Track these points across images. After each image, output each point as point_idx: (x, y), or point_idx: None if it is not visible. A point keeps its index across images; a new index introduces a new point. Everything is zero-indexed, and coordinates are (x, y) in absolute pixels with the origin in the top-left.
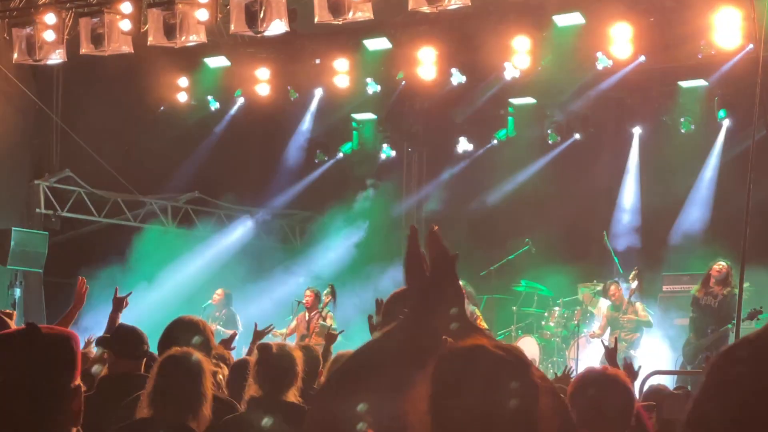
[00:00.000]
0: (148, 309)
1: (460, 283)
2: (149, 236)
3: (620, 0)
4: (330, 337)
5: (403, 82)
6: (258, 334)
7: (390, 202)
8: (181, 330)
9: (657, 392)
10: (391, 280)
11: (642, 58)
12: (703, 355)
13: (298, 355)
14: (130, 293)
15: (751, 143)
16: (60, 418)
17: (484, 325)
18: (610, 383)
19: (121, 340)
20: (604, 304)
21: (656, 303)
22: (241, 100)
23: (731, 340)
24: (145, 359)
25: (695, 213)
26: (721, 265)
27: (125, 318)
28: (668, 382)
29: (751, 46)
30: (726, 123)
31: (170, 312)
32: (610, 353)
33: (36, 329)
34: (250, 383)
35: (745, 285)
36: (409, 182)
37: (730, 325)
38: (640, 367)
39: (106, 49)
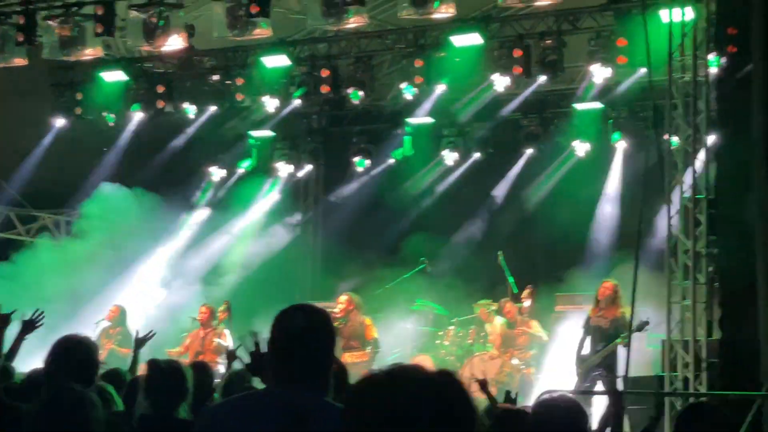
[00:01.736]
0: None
1: (346, 296)
2: (40, 250)
3: (518, 22)
4: (231, 356)
5: (299, 101)
6: (139, 342)
7: (287, 220)
8: (66, 349)
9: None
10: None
11: (539, 80)
12: (596, 372)
13: (189, 371)
14: (14, 311)
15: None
16: None
17: (374, 333)
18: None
19: None
20: (498, 321)
21: (550, 322)
22: (138, 116)
23: (620, 354)
24: None
25: (590, 233)
26: (606, 285)
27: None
28: None
29: (644, 70)
30: (621, 145)
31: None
32: (482, 385)
33: None
34: (140, 400)
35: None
36: (306, 200)
37: (618, 340)
38: (516, 394)
39: None
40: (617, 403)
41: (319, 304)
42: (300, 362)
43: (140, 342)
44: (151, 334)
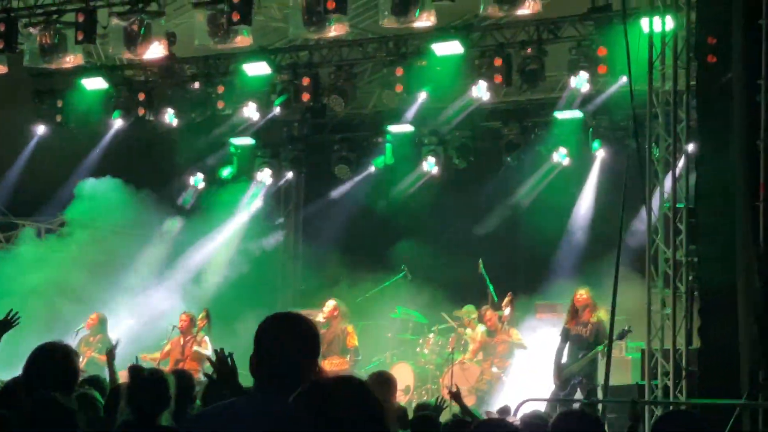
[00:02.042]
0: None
1: (333, 302)
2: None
3: (498, 31)
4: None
5: (280, 109)
6: (110, 354)
7: (269, 228)
8: (46, 357)
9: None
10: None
11: (521, 88)
12: (576, 380)
13: (171, 379)
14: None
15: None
16: None
17: (355, 342)
18: None
19: None
20: (480, 329)
21: (529, 330)
22: (118, 123)
23: (599, 362)
24: None
25: (570, 242)
26: (581, 293)
27: None
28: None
29: (624, 79)
30: (600, 154)
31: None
32: (455, 396)
33: None
34: (122, 407)
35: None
36: (287, 207)
37: (599, 348)
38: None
39: None
40: (634, 416)
41: (303, 311)
42: (283, 370)
43: (110, 353)
44: (116, 344)
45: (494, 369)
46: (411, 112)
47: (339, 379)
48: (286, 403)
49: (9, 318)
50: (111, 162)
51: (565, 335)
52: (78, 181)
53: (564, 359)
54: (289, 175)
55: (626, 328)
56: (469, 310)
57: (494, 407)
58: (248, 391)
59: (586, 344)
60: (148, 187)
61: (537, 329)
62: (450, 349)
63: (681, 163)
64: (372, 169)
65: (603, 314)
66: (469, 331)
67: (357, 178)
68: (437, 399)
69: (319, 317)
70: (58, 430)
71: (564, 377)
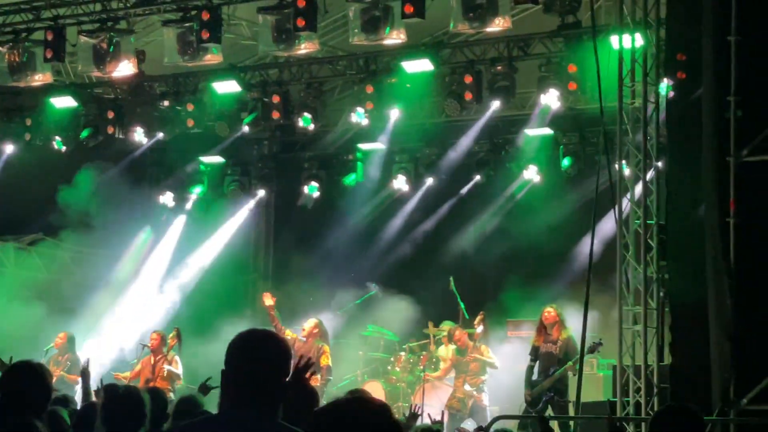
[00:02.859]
0: None
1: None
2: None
3: (469, 48)
4: (204, 389)
5: (245, 129)
6: (84, 373)
7: (240, 244)
8: (20, 375)
9: None
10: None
11: (492, 107)
12: (547, 397)
13: (146, 397)
14: None
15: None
16: None
17: (329, 362)
18: None
19: None
20: (450, 347)
21: (501, 347)
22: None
23: (569, 377)
24: None
25: (540, 259)
26: (549, 311)
27: None
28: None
29: (594, 95)
30: (572, 171)
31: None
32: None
33: None
34: (98, 426)
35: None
36: (258, 225)
37: (570, 363)
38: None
39: None
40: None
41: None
42: (255, 385)
43: (85, 372)
44: (87, 362)
45: (467, 387)
46: (381, 130)
47: (357, 398)
48: (259, 418)
49: None
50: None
51: (535, 353)
52: (45, 200)
53: (534, 377)
54: (260, 192)
55: (597, 341)
56: (437, 330)
57: (468, 425)
58: (220, 408)
59: (556, 360)
60: (118, 207)
61: (508, 344)
62: (421, 367)
63: (651, 179)
64: (344, 186)
65: (571, 332)
66: (441, 349)
67: (326, 196)
68: (412, 407)
69: (298, 333)
70: None
71: (535, 394)
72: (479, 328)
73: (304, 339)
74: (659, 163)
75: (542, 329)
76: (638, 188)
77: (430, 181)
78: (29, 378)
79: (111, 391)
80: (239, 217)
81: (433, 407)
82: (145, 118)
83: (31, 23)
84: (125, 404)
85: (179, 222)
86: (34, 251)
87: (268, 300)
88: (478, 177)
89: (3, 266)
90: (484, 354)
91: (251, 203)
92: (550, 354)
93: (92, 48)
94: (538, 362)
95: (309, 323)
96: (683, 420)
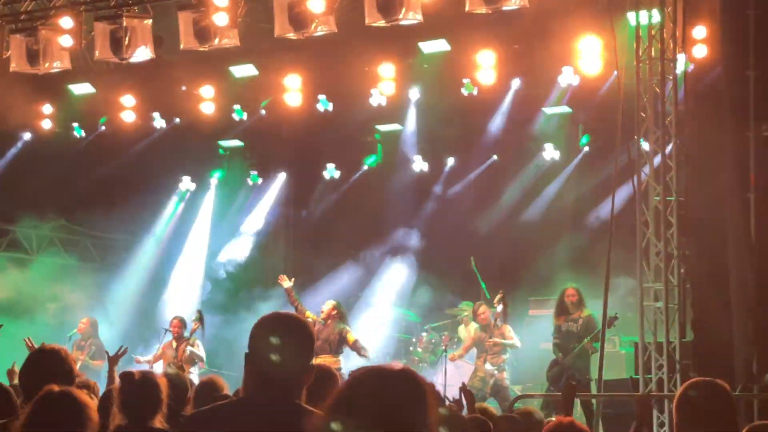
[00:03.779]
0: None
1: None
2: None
3: (485, 27)
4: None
5: (263, 112)
6: (112, 360)
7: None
8: (43, 359)
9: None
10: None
11: (511, 86)
12: (567, 375)
13: (162, 382)
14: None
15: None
16: None
17: (355, 337)
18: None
19: None
20: (473, 326)
21: (522, 326)
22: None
23: (592, 356)
24: None
25: (558, 237)
26: (569, 292)
27: None
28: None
29: (613, 73)
30: (591, 148)
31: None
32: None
33: None
34: (114, 412)
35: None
36: (277, 208)
37: (586, 339)
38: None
39: None
40: (644, 410)
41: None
42: (277, 368)
43: (113, 359)
44: (122, 351)
45: (488, 366)
46: (400, 110)
47: (374, 368)
48: (282, 401)
49: None
50: (98, 167)
51: (558, 333)
52: (66, 186)
53: (557, 355)
54: (280, 175)
55: (613, 314)
56: (459, 310)
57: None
58: (238, 392)
59: (576, 339)
60: (137, 191)
61: (530, 325)
62: (443, 347)
63: (670, 154)
64: (364, 167)
65: (591, 310)
66: (461, 329)
67: (349, 178)
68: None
69: (315, 316)
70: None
71: (557, 372)
72: (499, 307)
73: (323, 321)
74: (679, 139)
75: (563, 308)
76: (657, 164)
77: (451, 161)
78: (52, 363)
79: (127, 377)
80: (265, 203)
81: (454, 387)
82: (163, 103)
83: (49, 10)
84: (141, 390)
85: (203, 205)
86: (56, 237)
87: (286, 282)
88: (495, 156)
89: (26, 253)
90: (506, 334)
91: (272, 186)
92: (571, 333)
93: (109, 34)
94: (560, 342)
95: (327, 305)
96: (711, 395)
